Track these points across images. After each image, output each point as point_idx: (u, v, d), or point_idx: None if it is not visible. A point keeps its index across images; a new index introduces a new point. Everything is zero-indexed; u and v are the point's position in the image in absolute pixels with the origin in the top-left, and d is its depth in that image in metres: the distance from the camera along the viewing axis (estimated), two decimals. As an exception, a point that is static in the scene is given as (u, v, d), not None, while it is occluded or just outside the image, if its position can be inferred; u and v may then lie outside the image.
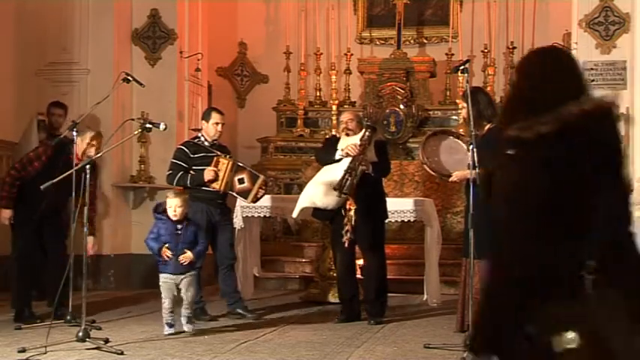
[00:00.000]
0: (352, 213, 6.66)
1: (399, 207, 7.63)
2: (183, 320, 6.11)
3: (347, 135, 6.90)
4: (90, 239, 6.58)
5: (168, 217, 6.16)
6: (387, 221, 7.09)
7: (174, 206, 6.13)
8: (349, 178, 6.53)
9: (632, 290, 2.20)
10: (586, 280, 2.16)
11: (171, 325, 6.07)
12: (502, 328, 2.16)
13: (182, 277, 6.11)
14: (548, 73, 2.36)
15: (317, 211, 6.96)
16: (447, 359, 5.31)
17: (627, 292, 2.19)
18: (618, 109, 2.33)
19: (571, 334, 2.13)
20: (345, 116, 7.12)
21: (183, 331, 6.08)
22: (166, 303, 6.09)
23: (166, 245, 6.07)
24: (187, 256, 6.09)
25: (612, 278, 2.17)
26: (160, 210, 6.23)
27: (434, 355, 5.41)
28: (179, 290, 6.11)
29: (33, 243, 6.65)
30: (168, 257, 6.05)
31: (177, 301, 6.16)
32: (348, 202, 6.68)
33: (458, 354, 5.26)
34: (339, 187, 6.52)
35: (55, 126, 7.84)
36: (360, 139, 6.66)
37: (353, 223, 6.66)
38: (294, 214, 7.22)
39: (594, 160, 2.24)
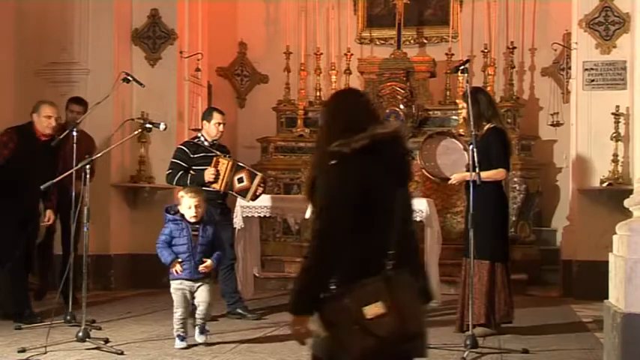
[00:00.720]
0: None
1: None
2: (197, 330, 5.65)
3: None
4: (48, 212, 6.65)
5: (183, 219, 5.67)
6: None
7: (194, 206, 5.63)
8: None
9: (414, 271, 2.97)
10: (387, 264, 2.86)
11: (183, 338, 5.58)
12: (317, 297, 2.88)
13: (198, 284, 5.63)
14: (358, 105, 3.10)
15: None
16: (447, 359, 5.31)
17: (411, 273, 2.94)
18: (405, 134, 3.11)
19: (378, 304, 2.79)
20: None
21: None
22: (179, 313, 5.57)
23: (179, 260, 5.57)
24: (209, 265, 5.64)
25: (403, 262, 2.89)
26: (173, 211, 5.72)
27: (434, 355, 5.41)
28: (193, 297, 5.64)
29: (18, 240, 6.63)
30: (177, 272, 5.58)
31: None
32: None
33: (458, 354, 5.27)
34: None
35: (72, 123, 7.62)
36: None
37: None
38: (307, 215, 7.26)
39: (394, 171, 2.98)
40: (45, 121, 6.60)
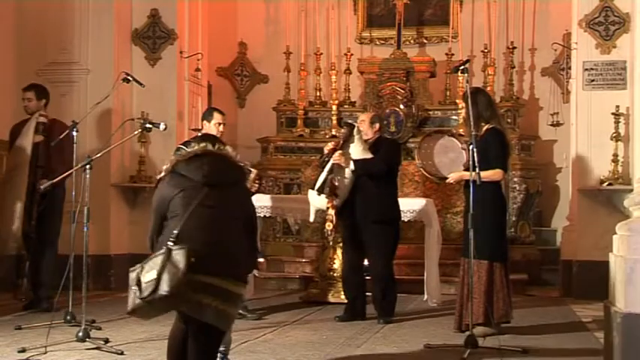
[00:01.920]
0: (331, 212, 6.73)
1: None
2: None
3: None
4: None
5: None
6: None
7: None
8: (325, 178, 6.61)
9: (191, 247, 3.80)
10: (169, 243, 3.82)
11: None
12: None
13: None
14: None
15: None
16: (447, 359, 5.31)
17: (190, 249, 3.79)
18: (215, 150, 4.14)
19: (153, 273, 3.74)
20: (359, 117, 7.15)
21: None
22: None
23: None
24: None
25: (182, 242, 3.80)
26: None
27: (434, 355, 5.41)
28: None
29: None
30: None
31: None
32: (327, 202, 6.73)
33: (458, 354, 5.27)
34: (314, 186, 6.62)
35: (28, 112, 7.40)
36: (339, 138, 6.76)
37: (334, 222, 6.73)
38: (311, 219, 7.31)
39: (206, 177, 3.97)
40: None
